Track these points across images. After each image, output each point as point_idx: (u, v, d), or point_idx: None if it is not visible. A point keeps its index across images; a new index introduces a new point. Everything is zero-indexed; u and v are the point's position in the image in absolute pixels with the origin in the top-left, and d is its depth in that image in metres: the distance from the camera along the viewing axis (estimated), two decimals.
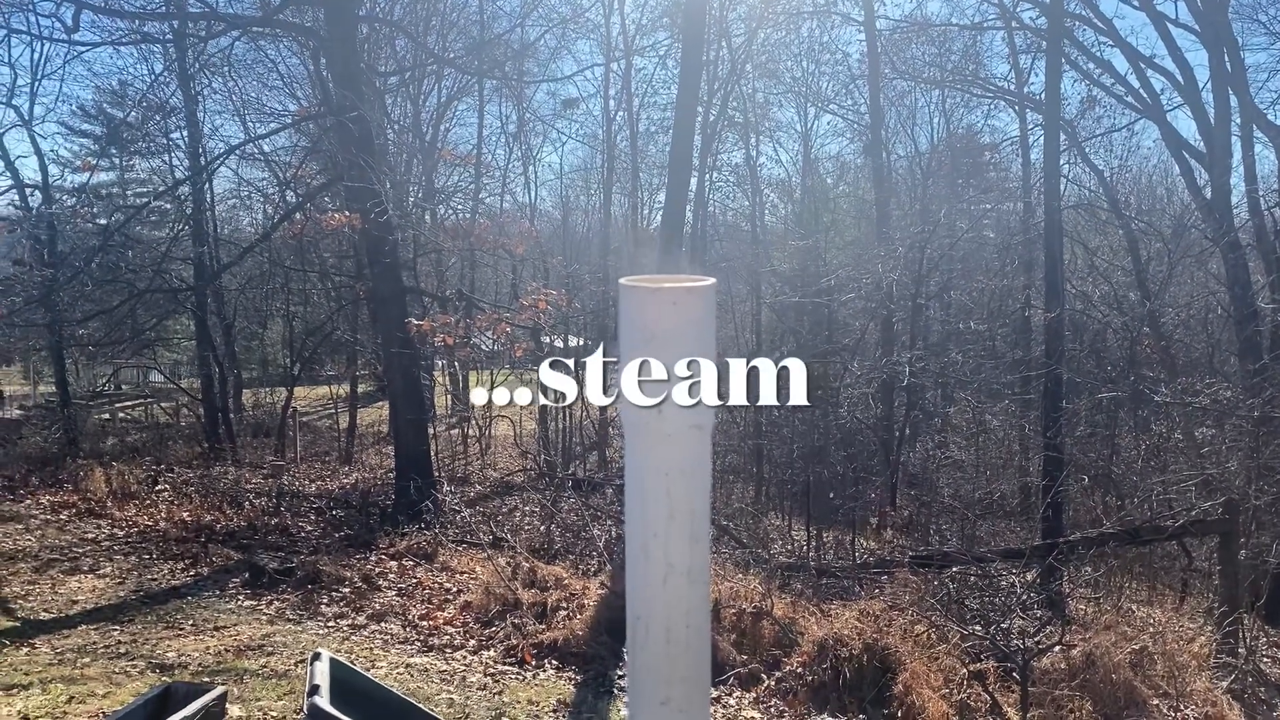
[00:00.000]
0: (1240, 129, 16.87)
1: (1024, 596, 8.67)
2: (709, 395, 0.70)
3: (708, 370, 0.71)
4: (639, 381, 0.70)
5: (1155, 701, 7.01)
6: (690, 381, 0.70)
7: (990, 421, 17.44)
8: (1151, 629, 8.31)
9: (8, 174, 18.14)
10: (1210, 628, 9.05)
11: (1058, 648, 7.46)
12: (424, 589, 9.74)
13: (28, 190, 18.63)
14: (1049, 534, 11.73)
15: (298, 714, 5.29)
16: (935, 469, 17.50)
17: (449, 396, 25.42)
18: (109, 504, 12.66)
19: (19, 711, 5.73)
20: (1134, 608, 10.15)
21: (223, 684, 2.05)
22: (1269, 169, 19.88)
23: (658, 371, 0.70)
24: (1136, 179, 26.82)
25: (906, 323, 18.58)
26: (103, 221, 16.49)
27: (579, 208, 36.67)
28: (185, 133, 20.05)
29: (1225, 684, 7.58)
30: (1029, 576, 9.99)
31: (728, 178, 29.05)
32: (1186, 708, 7.06)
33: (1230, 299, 16.39)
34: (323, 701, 2.77)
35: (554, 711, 6.49)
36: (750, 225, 26.46)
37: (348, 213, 13.56)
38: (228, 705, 6.03)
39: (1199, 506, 10.92)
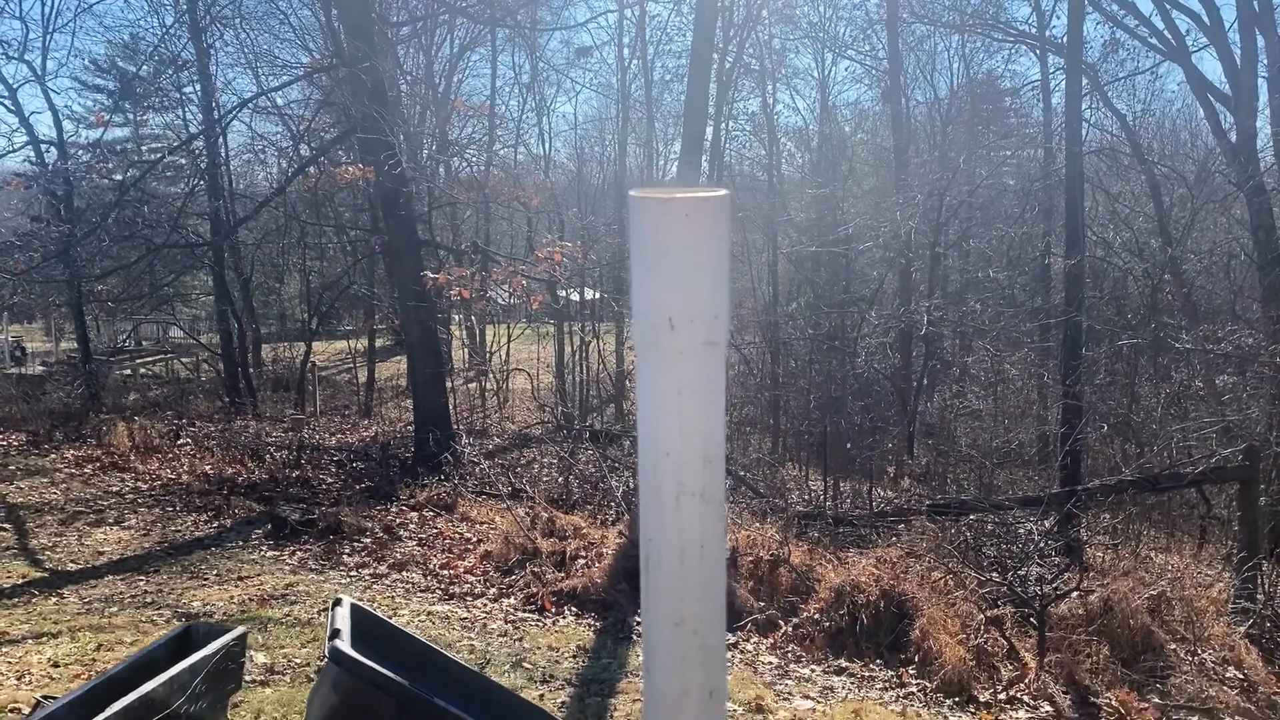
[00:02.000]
0: (1267, 70, 16.50)
1: (1041, 544, 8.67)
2: (722, 310, 0.68)
3: (721, 284, 0.69)
4: (650, 297, 0.68)
5: (1173, 646, 7.02)
6: (702, 295, 0.68)
7: (1009, 370, 17.35)
8: (1170, 575, 8.31)
9: (22, 130, 18.12)
10: (1228, 574, 9.04)
11: (1075, 594, 7.47)
12: (444, 539, 9.83)
13: (43, 146, 18.63)
14: (1067, 482, 11.70)
15: (321, 660, 5.35)
16: (953, 418, 17.46)
17: (466, 350, 25.48)
18: (132, 458, 12.80)
19: (49, 659, 5.84)
20: (1152, 555, 10.16)
21: (243, 628, 2.08)
22: None
23: (669, 285, 0.67)
24: (1160, 123, 26.33)
25: (925, 272, 18.44)
26: (118, 177, 16.48)
27: (594, 159, 36.43)
28: (198, 86, 19.98)
29: (1243, 629, 7.57)
30: (1047, 524, 9.99)
31: (744, 126, 28.76)
32: (1204, 652, 7.08)
33: (1254, 244, 16.16)
34: (344, 644, 2.80)
35: (574, 656, 6.56)
36: (767, 175, 26.18)
37: (362, 166, 13.52)
38: (252, 652, 6.14)
39: (1219, 453, 10.85)
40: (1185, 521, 13.02)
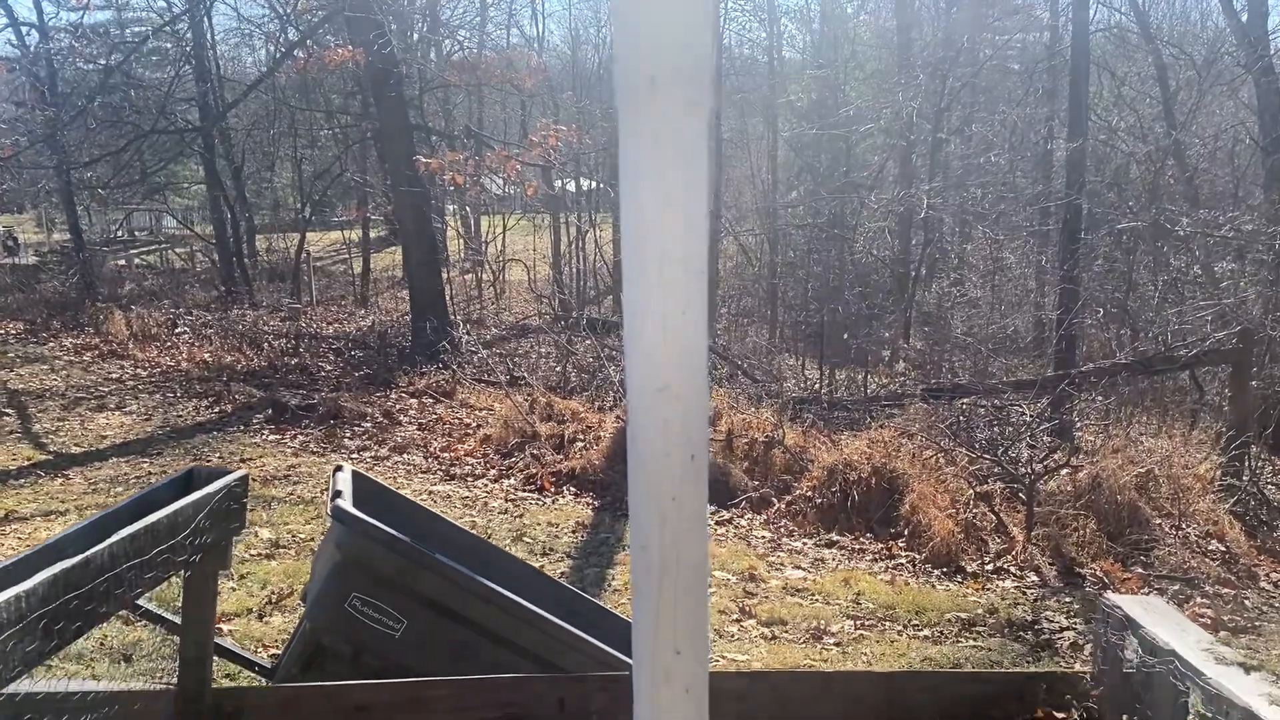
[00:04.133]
0: None
1: (1033, 425, 8.79)
2: (705, 68, 0.67)
3: (705, 42, 0.68)
4: (630, 54, 0.67)
5: (1158, 521, 7.18)
6: (684, 53, 0.67)
7: (1007, 259, 17.28)
8: (1159, 455, 8.45)
9: (2, 12, 17.59)
10: (1216, 455, 9.19)
11: (1064, 470, 7.61)
12: (444, 424, 9.94)
13: (23, 29, 18.13)
14: (1061, 367, 11.77)
15: (324, 534, 5.48)
16: (950, 307, 17.47)
17: (461, 240, 25.30)
18: (130, 346, 12.84)
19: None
20: (1143, 438, 10.29)
21: (244, 470, 2.12)
22: None
23: (649, 40, 0.66)
24: (1170, 3, 25.63)
25: (926, 157, 18.19)
26: (102, 62, 16.07)
27: (589, 41, 35.41)
28: None
29: (1227, 505, 7.74)
30: (1039, 407, 10.11)
31: (743, 6, 27.91)
32: (1188, 526, 7.24)
33: (1260, 127, 15.90)
34: (345, 503, 2.86)
35: (573, 532, 6.71)
36: (767, 57, 25.56)
37: (351, 48, 13.17)
38: (257, 528, 6.27)
39: (1213, 337, 10.88)
40: (1177, 408, 13.16)
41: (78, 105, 13.76)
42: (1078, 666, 3.97)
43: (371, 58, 12.37)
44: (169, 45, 18.79)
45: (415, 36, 18.12)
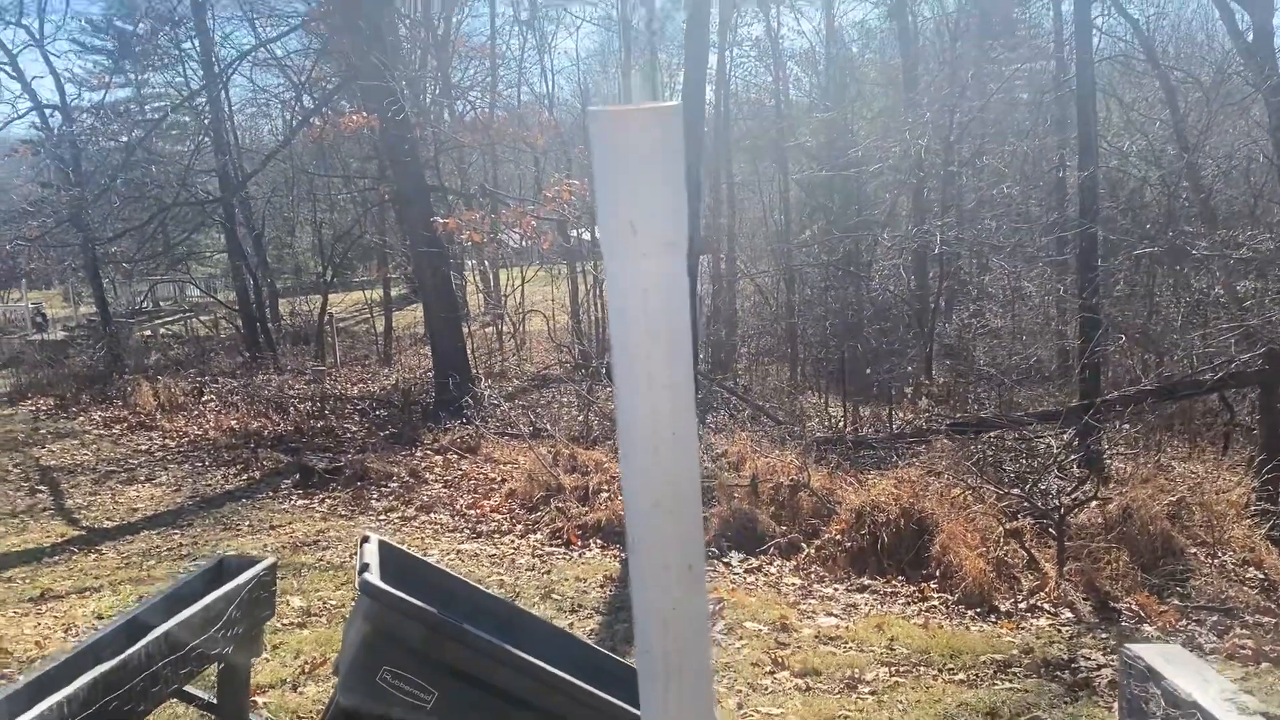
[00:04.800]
0: None
1: (1060, 457, 8.73)
2: (680, 213, 0.72)
3: (677, 189, 0.73)
4: (611, 204, 0.72)
5: (1193, 550, 7.10)
6: (660, 201, 0.72)
7: (1026, 287, 17.24)
8: (1190, 481, 8.36)
9: (26, 96, 18.10)
10: (1250, 478, 9.08)
11: (1094, 502, 7.55)
12: (469, 480, 9.99)
13: (47, 111, 18.62)
14: (1086, 395, 11.69)
15: (354, 600, 5.50)
16: (971, 338, 17.41)
17: (481, 295, 25.53)
18: (158, 416, 13.02)
19: (92, 611, 6.03)
20: (1174, 464, 10.18)
21: (273, 558, 2.17)
22: None
23: (628, 193, 0.71)
24: (1175, 26, 25.67)
25: (938, 191, 18.25)
26: (124, 138, 16.49)
27: (598, 94, 35.95)
28: (196, 42, 19.80)
29: (1264, 530, 7.64)
30: (1066, 438, 10.04)
31: (749, 53, 28.22)
32: (1224, 554, 7.15)
33: (1273, 145, 15.86)
34: (372, 576, 2.90)
35: (600, 586, 6.70)
36: (774, 100, 25.79)
37: (365, 113, 13.45)
38: (289, 597, 6.31)
39: (1238, 359, 10.80)
40: (1209, 430, 13.01)
41: (102, 184, 14.09)
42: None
43: (385, 123, 12.62)
44: (188, 119, 19.24)
45: (428, 99, 18.45)
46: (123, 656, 1.49)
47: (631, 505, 0.80)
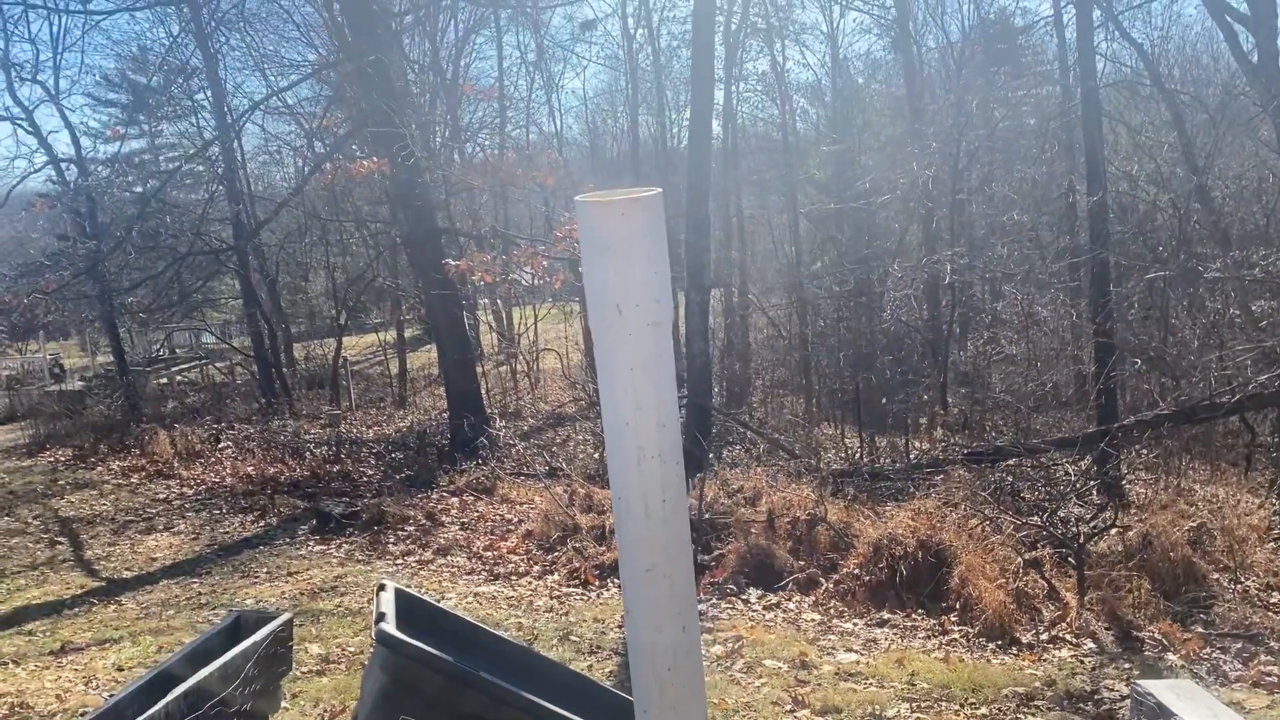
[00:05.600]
0: None
1: (1079, 484, 8.68)
2: (664, 294, 0.74)
3: (660, 272, 0.75)
4: (599, 287, 0.75)
5: (1215, 576, 7.03)
6: (643, 284, 0.75)
7: (1040, 313, 17.20)
8: (1210, 506, 8.29)
9: (42, 150, 18.41)
10: (1272, 499, 9.00)
11: (1114, 530, 7.49)
12: (486, 521, 9.99)
13: (63, 164, 18.90)
14: (1103, 421, 11.62)
15: (373, 646, 5.50)
16: (986, 365, 17.36)
17: (494, 335, 25.65)
18: (175, 464, 13.09)
19: (113, 663, 6.04)
20: (1195, 487, 10.09)
21: (289, 613, 2.20)
22: None
23: (614, 276, 0.74)
24: (1180, 49, 25.80)
25: (948, 220, 18.27)
26: (139, 189, 16.73)
27: (606, 132, 36.37)
28: (209, 93, 20.12)
29: None
30: (1084, 464, 9.97)
31: (755, 87, 28.44)
32: (1247, 579, 7.07)
33: None
34: (389, 626, 2.91)
35: (619, 627, 6.67)
36: (781, 134, 25.98)
37: (376, 159, 13.60)
38: (307, 644, 6.31)
39: (1255, 380, 10.72)
40: (1230, 452, 12.90)
41: (117, 235, 14.27)
42: None
43: (396, 168, 12.75)
44: (202, 168, 19.50)
45: (438, 142, 18.67)
46: (145, 716, 1.51)
47: (627, 570, 0.82)
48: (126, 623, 7.05)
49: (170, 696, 1.60)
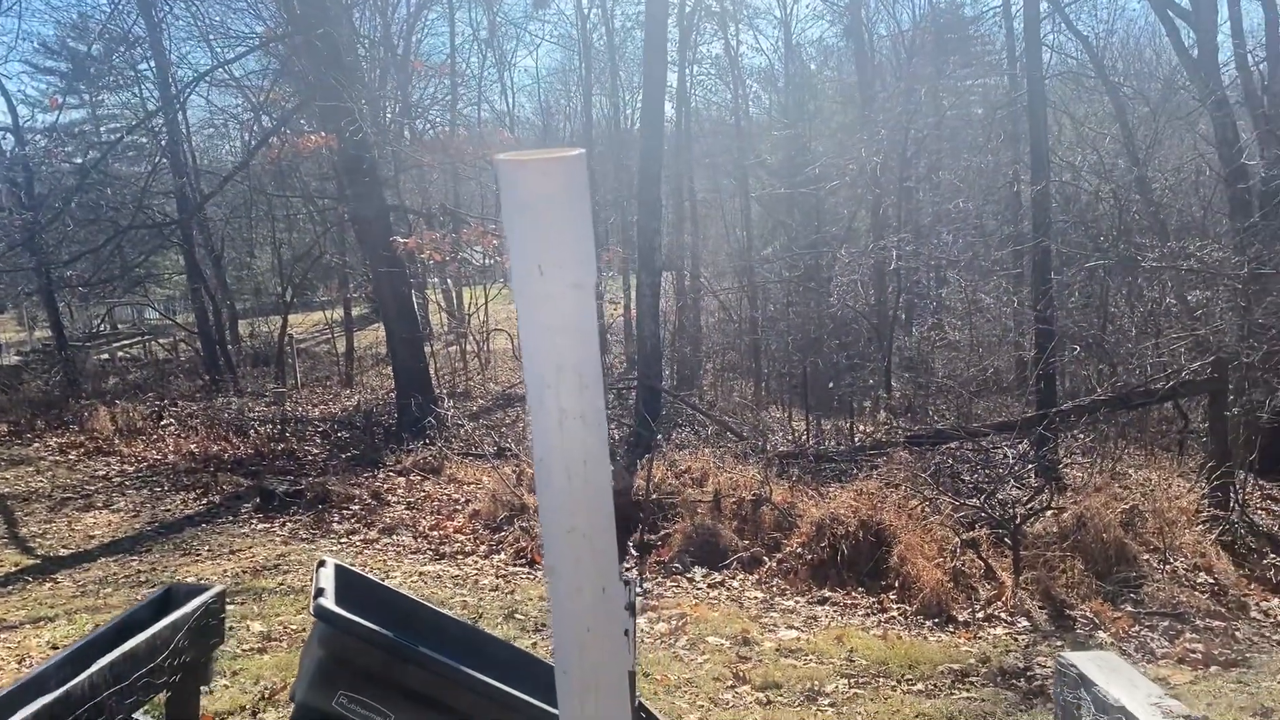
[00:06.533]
0: None
1: (1016, 467, 8.87)
2: (586, 255, 0.76)
3: (583, 233, 0.76)
4: (520, 247, 0.76)
5: (1145, 556, 7.23)
6: (565, 244, 0.76)
7: (983, 300, 17.49)
8: (1143, 489, 8.52)
9: None
10: (1201, 483, 9.26)
11: (1049, 512, 7.67)
12: (432, 501, 9.95)
13: None
14: (1042, 406, 11.88)
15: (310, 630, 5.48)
16: (930, 350, 17.64)
17: (444, 314, 25.46)
18: (116, 441, 12.83)
19: (47, 641, 5.93)
20: (1129, 471, 10.37)
21: (221, 586, 2.18)
22: (1256, 23, 19.49)
23: (535, 237, 0.75)
24: (1124, 42, 26.32)
25: (895, 207, 18.48)
26: (78, 160, 16.31)
27: (559, 112, 36.16)
28: (152, 63, 19.60)
29: (1214, 536, 7.79)
30: (1022, 448, 10.18)
31: (709, 71, 28.48)
32: (1176, 560, 7.29)
33: (1220, 158, 16.24)
34: (327, 601, 2.90)
35: None
36: (734, 118, 26.03)
37: (324, 134, 13.40)
38: (249, 621, 6.25)
39: (1188, 368, 11.02)
40: (1164, 438, 13.25)
41: (55, 207, 13.92)
42: None
43: (344, 143, 12.57)
44: (144, 140, 19.04)
45: (388, 118, 18.42)
46: (66, 688, 1.49)
47: (548, 531, 0.83)
48: (62, 600, 6.92)
49: (95, 667, 1.59)
